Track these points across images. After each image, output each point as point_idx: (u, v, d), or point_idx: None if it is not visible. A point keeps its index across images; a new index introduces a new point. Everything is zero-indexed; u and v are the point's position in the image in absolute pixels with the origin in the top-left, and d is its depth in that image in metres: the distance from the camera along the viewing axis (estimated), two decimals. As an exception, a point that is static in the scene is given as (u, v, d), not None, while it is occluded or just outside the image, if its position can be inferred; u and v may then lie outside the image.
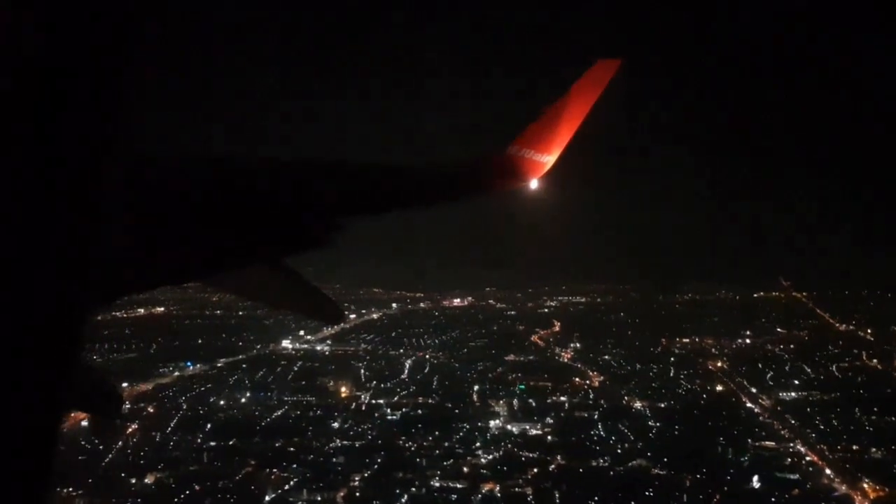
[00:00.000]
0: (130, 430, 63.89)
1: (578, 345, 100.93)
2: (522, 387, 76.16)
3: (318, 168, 7.34)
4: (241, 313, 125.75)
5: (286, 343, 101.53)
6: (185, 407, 70.21)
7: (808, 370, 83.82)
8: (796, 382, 78.62)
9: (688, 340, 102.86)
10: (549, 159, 9.49)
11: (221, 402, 72.06)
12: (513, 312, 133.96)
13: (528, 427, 64.52)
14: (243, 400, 73.22)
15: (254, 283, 6.85)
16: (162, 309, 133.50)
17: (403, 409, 69.40)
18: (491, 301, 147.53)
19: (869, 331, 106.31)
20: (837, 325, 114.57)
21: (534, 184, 9.51)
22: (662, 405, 70.77)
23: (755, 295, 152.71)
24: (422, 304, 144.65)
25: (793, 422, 65.70)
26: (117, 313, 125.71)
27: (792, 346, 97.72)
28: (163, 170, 5.32)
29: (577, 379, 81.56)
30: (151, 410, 69.61)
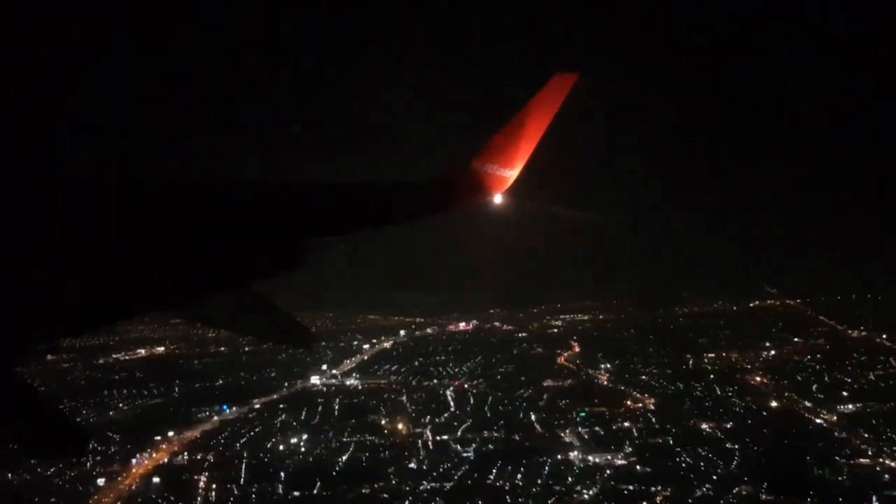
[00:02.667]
0: (202, 482, 61.41)
1: (608, 365, 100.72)
2: (583, 414, 75.46)
3: (283, 189, 7.21)
4: (247, 349, 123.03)
5: (314, 379, 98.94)
6: (245, 454, 67.74)
7: (849, 380, 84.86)
8: (845, 394, 79.34)
9: (713, 355, 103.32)
10: (511, 174, 9.70)
11: (281, 447, 69.70)
12: (523, 334, 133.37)
13: (609, 457, 63.74)
14: (303, 443, 70.84)
15: (222, 310, 6.77)
16: (162, 349, 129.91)
17: (473, 445, 68.00)
18: (496, 323, 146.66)
19: (884, 336, 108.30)
20: (849, 331, 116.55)
21: (498, 198, 9.71)
22: (729, 426, 70.62)
23: (751, 304, 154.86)
24: (428, 330, 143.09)
25: (867, 435, 66.17)
26: (117, 355, 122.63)
27: (819, 356, 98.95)
28: (123, 195, 5.19)
29: (628, 402, 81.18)
30: (213, 459, 66.95)
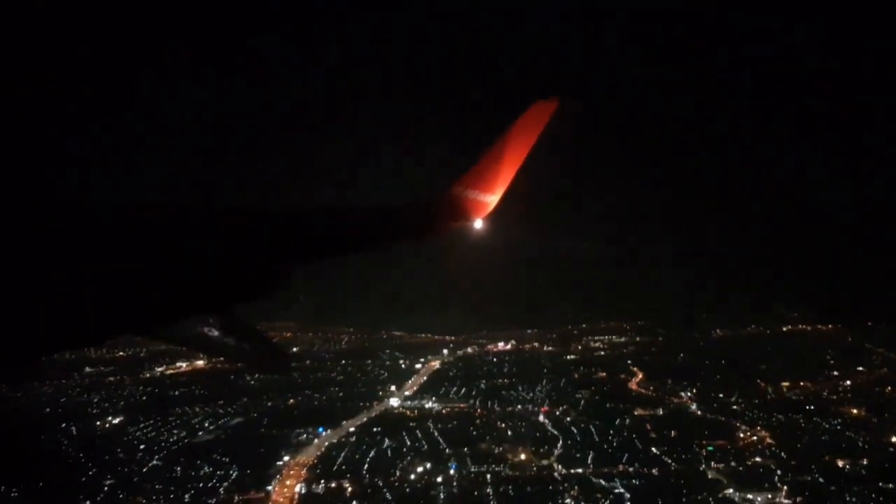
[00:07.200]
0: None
1: (688, 393, 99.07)
2: (710, 448, 73.35)
3: (263, 214, 7.30)
4: (293, 365, 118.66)
5: (393, 401, 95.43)
6: (380, 483, 64.45)
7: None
8: (960, 429, 78.66)
9: (789, 383, 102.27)
10: (492, 199, 9.83)
11: (413, 477, 66.32)
12: (571, 357, 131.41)
13: (770, 496, 61.75)
14: (434, 473, 67.19)
15: (200, 334, 6.63)
16: (202, 363, 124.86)
17: (618, 480, 65.21)
18: (535, 344, 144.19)
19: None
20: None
21: (478, 223, 9.77)
22: (865, 462, 69.12)
23: (784, 329, 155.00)
24: (469, 350, 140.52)
25: None
26: (160, 369, 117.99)
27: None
28: (99, 219, 5.29)
29: (741, 435, 79.21)
30: (352, 489, 63.50)
